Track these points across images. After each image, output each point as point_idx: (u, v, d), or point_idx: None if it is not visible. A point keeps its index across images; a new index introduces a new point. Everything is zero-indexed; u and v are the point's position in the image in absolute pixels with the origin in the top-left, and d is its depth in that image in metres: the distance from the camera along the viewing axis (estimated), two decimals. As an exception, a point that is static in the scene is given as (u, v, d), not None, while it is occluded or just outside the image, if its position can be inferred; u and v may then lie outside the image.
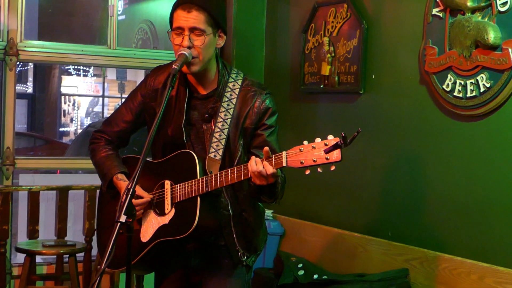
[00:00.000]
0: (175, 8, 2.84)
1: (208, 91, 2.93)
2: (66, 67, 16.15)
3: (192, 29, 2.80)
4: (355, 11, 4.37)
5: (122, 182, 2.97)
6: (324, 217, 4.63)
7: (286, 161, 2.55)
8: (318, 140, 2.51)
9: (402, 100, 4.10)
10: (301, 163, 2.51)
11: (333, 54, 4.55)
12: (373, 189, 4.30)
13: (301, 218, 4.81)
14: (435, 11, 3.80)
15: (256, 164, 2.60)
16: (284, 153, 2.56)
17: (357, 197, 4.41)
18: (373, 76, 4.29)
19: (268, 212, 4.88)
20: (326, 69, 4.58)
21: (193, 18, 2.79)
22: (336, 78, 4.51)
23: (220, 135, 2.85)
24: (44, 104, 16.19)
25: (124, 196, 2.44)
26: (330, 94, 4.64)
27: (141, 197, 2.88)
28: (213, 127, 2.87)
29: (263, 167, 2.59)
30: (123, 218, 2.39)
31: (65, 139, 15.77)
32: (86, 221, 4.76)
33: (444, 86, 3.74)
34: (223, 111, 2.88)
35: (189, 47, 2.79)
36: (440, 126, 3.83)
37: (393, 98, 4.16)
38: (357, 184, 4.40)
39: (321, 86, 4.65)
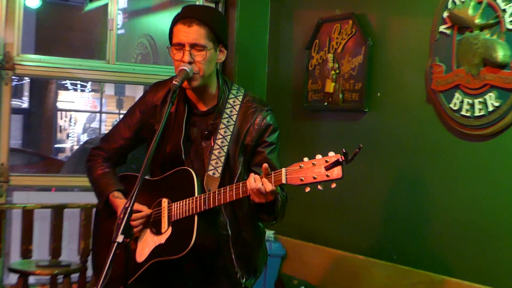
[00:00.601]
0: (175, 22, 2.85)
1: (208, 107, 2.94)
2: (63, 82, 16.18)
3: (193, 45, 2.81)
4: (360, 27, 4.39)
5: (118, 200, 2.97)
6: (326, 238, 4.62)
7: (286, 178, 2.55)
8: (318, 156, 2.51)
9: (408, 119, 4.10)
10: (301, 180, 2.51)
11: (337, 71, 4.56)
12: (378, 210, 4.30)
13: (303, 239, 4.80)
14: (442, 28, 3.81)
15: (254, 181, 2.61)
16: (283, 169, 2.56)
17: (361, 218, 4.40)
18: (378, 94, 4.30)
19: (270, 233, 4.88)
20: (330, 86, 4.60)
21: (194, 33, 2.80)
22: (341, 96, 4.52)
23: (219, 152, 2.86)
24: (40, 119, 16.19)
25: (122, 215, 2.44)
26: (334, 112, 4.65)
27: (139, 211, 2.88)
28: (212, 144, 2.88)
29: (262, 184, 2.59)
30: (120, 238, 2.38)
31: (61, 156, 15.73)
32: (81, 241, 4.76)
33: (451, 105, 3.75)
34: (223, 128, 2.88)
35: (189, 63, 2.80)
36: (446, 145, 3.83)
37: (398, 117, 4.17)
38: (360, 204, 4.40)
39: (325, 103, 4.65)
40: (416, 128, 4.04)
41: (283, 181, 2.56)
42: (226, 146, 2.86)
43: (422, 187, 4.02)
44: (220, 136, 2.88)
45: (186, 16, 2.83)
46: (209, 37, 2.83)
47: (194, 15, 2.82)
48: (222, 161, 2.85)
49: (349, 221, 4.50)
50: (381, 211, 4.29)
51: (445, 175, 3.86)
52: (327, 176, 2.48)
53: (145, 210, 2.91)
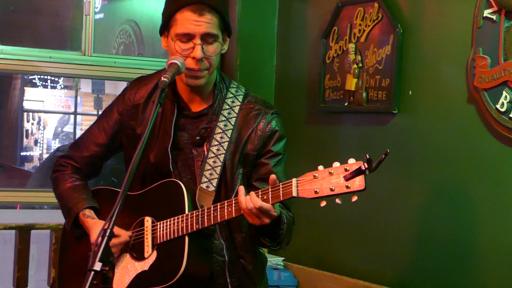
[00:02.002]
0: (179, 8, 2.88)
1: (201, 108, 2.97)
2: (30, 77, 16.20)
3: (204, 36, 2.84)
4: (388, 11, 4.40)
5: (90, 220, 3.00)
6: (347, 267, 4.63)
7: (297, 190, 2.58)
8: (336, 164, 2.54)
9: (445, 122, 4.11)
10: (315, 192, 2.54)
11: (360, 65, 4.58)
12: (409, 232, 4.31)
13: (319, 267, 4.80)
14: (487, 12, 3.82)
15: (250, 200, 2.63)
16: (294, 180, 2.58)
17: (389, 242, 4.41)
18: (410, 93, 4.31)
19: (279, 260, 4.89)
20: (351, 83, 4.61)
21: (207, 22, 2.86)
22: (364, 94, 4.53)
23: (214, 162, 2.88)
24: (2, 122, 16.22)
25: (100, 238, 2.45)
26: (357, 114, 4.66)
27: (116, 236, 2.89)
28: (206, 152, 2.90)
29: (253, 201, 2.61)
30: (98, 266, 2.39)
31: (28, 166, 15.77)
32: (52, 269, 4.77)
33: (498, 106, 3.76)
34: (219, 133, 2.91)
35: (201, 59, 2.83)
36: (492, 155, 3.84)
37: (434, 120, 4.18)
38: (388, 225, 4.41)
39: (346, 103, 4.67)
40: (455, 133, 4.05)
41: (294, 194, 2.59)
42: (223, 155, 2.89)
43: (463, 204, 4.03)
44: (216, 143, 2.90)
45: (195, 1, 2.86)
46: (220, 26, 2.90)
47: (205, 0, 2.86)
48: (218, 173, 2.87)
49: (374, 246, 4.51)
50: (413, 234, 4.30)
51: (491, 190, 3.86)
52: (347, 187, 2.51)
53: (123, 235, 2.92)
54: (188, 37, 2.86)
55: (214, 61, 2.90)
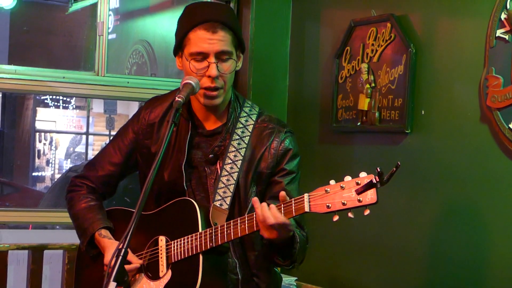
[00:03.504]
0: (192, 27, 2.90)
1: (215, 126, 2.99)
2: (43, 98, 16.26)
3: (219, 54, 2.86)
4: (401, 31, 4.42)
5: (106, 240, 3.00)
6: (360, 286, 4.63)
7: (309, 205, 2.59)
8: (348, 178, 2.56)
9: (458, 141, 4.12)
10: (328, 207, 2.56)
11: (373, 85, 4.59)
12: (422, 252, 4.30)
13: (332, 287, 4.80)
14: (499, 32, 3.84)
15: (261, 209, 2.64)
16: (306, 195, 2.60)
17: (402, 262, 4.41)
18: (423, 112, 4.32)
19: (291, 280, 4.89)
20: (364, 103, 4.62)
21: (220, 40, 2.87)
22: (377, 114, 4.55)
23: (228, 180, 2.89)
24: (14, 142, 16.26)
25: (114, 258, 2.47)
26: (369, 134, 4.67)
27: (129, 263, 2.90)
28: (219, 170, 2.92)
29: (271, 214, 2.62)
30: (112, 286, 2.41)
31: (40, 186, 15.81)
32: (64, 289, 4.78)
33: (511, 125, 3.76)
34: (232, 151, 2.93)
35: (216, 77, 2.85)
36: (505, 174, 3.84)
37: (447, 140, 4.19)
38: (402, 245, 4.41)
39: (358, 123, 4.68)
40: (468, 153, 4.06)
41: (306, 209, 2.60)
42: (236, 173, 2.90)
43: (476, 224, 4.03)
44: (229, 161, 2.92)
45: (207, 19, 2.88)
46: (233, 43, 2.92)
47: (217, 17, 2.88)
48: (231, 191, 2.89)
49: (387, 265, 4.50)
50: (426, 253, 4.29)
51: (506, 210, 3.86)
52: (359, 201, 2.53)
53: (135, 262, 2.93)
54: (202, 56, 2.88)
55: (229, 79, 2.92)
